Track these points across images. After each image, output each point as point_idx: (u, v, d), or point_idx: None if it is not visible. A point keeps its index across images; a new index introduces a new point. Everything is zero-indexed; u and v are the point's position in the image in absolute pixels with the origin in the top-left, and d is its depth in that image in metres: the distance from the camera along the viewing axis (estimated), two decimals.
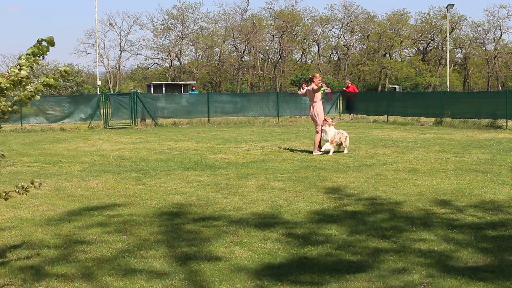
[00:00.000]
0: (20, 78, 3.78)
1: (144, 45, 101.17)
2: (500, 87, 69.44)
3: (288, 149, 13.87)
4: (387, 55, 72.79)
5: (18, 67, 3.83)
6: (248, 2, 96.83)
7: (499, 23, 71.46)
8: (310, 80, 13.28)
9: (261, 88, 70.06)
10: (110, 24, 70.73)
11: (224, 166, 10.92)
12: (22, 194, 4.31)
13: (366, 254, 5.10)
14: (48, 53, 3.94)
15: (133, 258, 5.05)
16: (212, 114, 25.74)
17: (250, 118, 26.20)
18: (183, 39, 71.63)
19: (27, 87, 3.86)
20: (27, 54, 3.88)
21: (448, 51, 60.33)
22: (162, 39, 71.95)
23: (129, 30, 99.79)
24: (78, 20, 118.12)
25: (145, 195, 7.99)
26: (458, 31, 72.76)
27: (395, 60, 73.86)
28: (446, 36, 61.37)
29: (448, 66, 63.85)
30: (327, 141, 12.76)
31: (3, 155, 4.19)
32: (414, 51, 76.76)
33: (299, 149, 13.68)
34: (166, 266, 4.84)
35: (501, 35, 72.52)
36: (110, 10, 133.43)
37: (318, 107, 13.03)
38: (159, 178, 9.57)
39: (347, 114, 27.90)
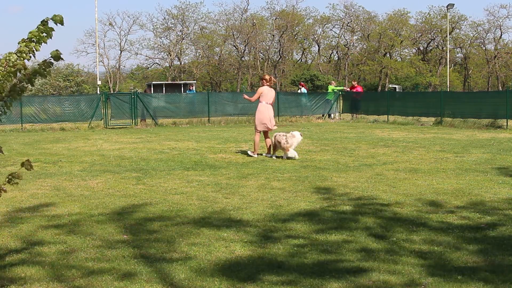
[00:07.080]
0: (16, 68, 3.33)
1: (144, 45, 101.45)
2: (500, 87, 69.37)
3: None
4: (387, 55, 72.72)
5: (18, 54, 3.40)
6: (248, 2, 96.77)
7: (499, 22, 71.49)
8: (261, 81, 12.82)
9: None
10: (110, 24, 70.77)
11: (224, 166, 10.92)
12: (14, 183, 3.84)
13: (366, 254, 5.10)
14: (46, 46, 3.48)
15: (133, 258, 5.05)
16: (212, 114, 25.70)
17: (251, 118, 26.18)
18: (183, 39, 71.61)
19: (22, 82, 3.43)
20: (27, 39, 3.41)
21: (448, 51, 60.29)
22: (163, 38, 72.01)
23: (129, 30, 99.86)
24: (78, 20, 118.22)
25: (145, 195, 7.99)
26: (458, 30, 72.68)
27: (395, 60, 73.77)
28: (446, 35, 61.31)
29: (448, 66, 63.81)
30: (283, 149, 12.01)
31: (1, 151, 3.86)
32: (414, 51, 76.68)
33: (299, 149, 13.67)
34: (167, 265, 4.84)
35: (501, 35, 72.49)
36: (110, 10, 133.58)
37: (263, 108, 12.59)
38: (159, 178, 9.57)
39: (350, 114, 27.81)
